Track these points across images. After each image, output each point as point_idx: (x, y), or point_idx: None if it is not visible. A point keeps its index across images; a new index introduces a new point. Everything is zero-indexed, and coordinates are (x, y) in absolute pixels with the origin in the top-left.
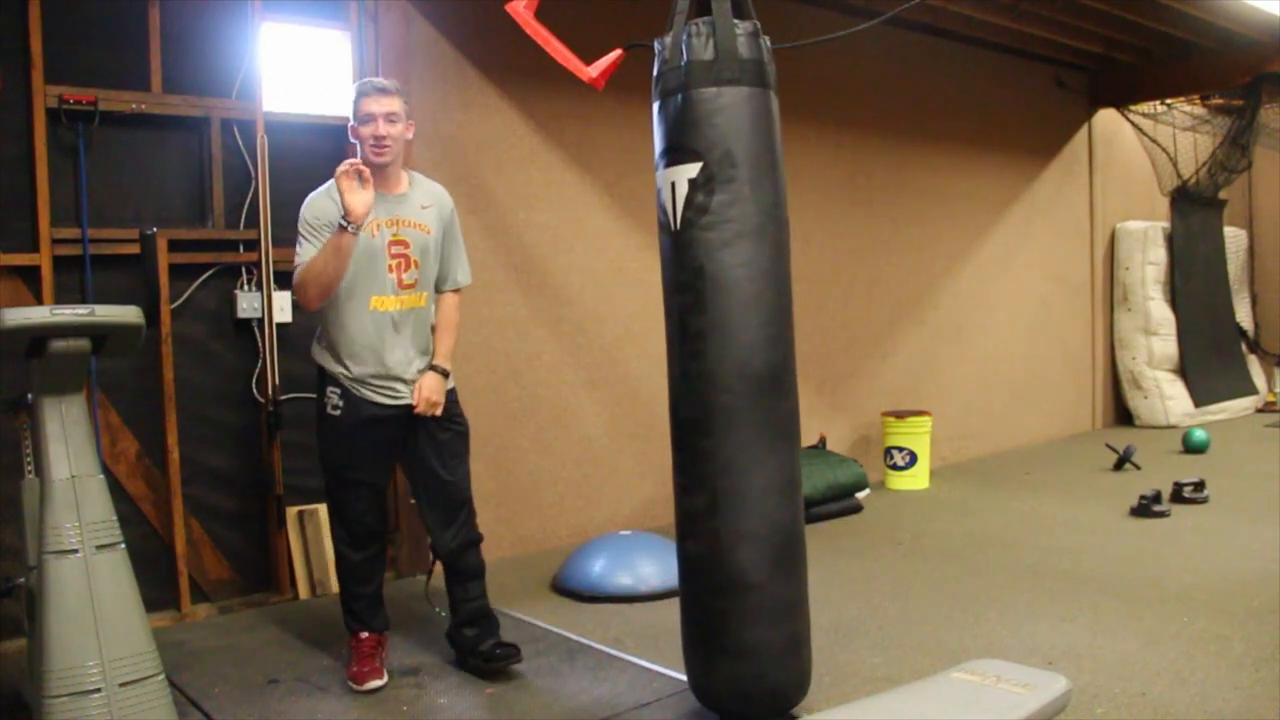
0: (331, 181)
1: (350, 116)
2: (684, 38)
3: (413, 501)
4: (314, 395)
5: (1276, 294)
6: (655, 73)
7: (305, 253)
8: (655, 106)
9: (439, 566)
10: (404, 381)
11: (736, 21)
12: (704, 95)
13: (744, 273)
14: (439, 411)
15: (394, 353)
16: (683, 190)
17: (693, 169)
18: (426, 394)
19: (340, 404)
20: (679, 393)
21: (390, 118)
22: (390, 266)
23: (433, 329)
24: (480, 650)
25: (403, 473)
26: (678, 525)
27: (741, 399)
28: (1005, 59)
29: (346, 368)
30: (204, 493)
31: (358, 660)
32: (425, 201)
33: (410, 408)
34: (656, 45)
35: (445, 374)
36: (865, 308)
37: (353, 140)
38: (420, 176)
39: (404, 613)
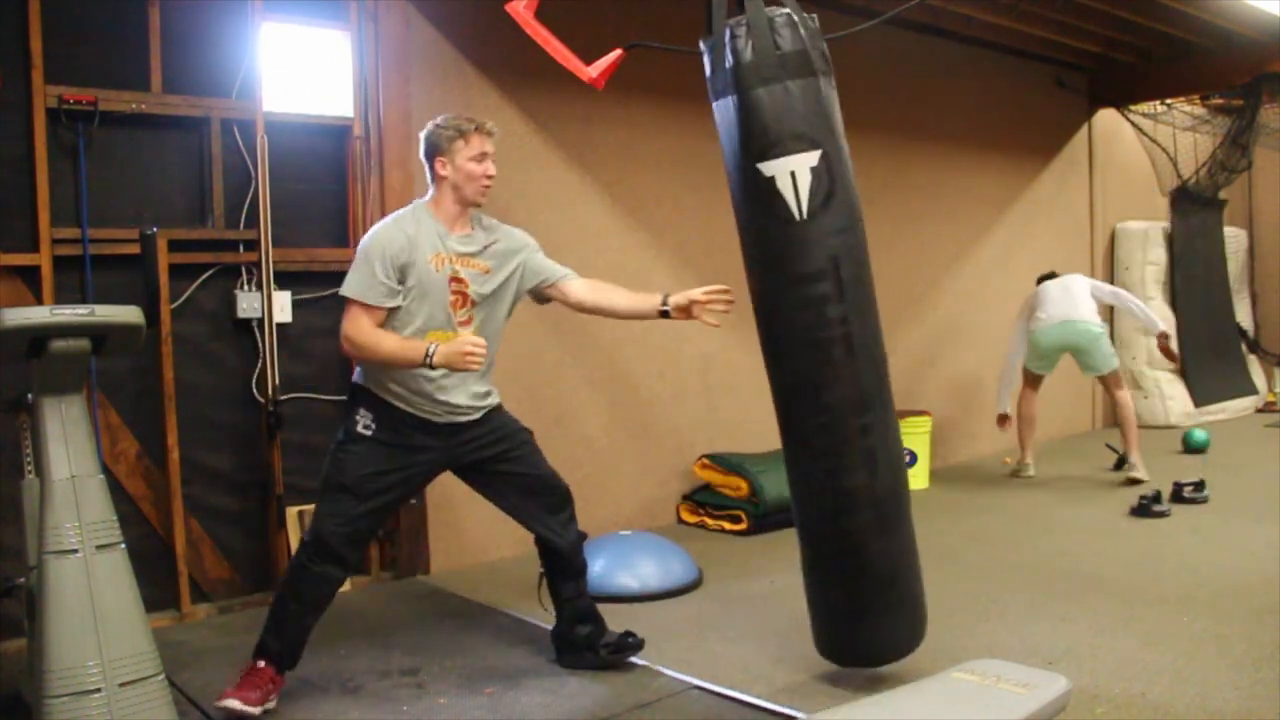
0: (400, 212)
1: (450, 149)
2: (769, 29)
3: (413, 502)
4: (313, 394)
5: (1276, 294)
6: (731, 64)
7: (358, 285)
8: (734, 100)
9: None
10: (458, 407)
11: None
12: (802, 86)
13: (860, 257)
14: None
15: (444, 386)
16: (805, 179)
17: (813, 156)
18: (705, 295)
19: (373, 425)
20: (828, 378)
21: (493, 159)
22: (450, 302)
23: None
24: (607, 643)
25: (489, 498)
26: (833, 503)
27: (881, 376)
28: (1005, 59)
29: (391, 391)
30: (204, 493)
31: (241, 683)
32: (487, 242)
33: (461, 431)
34: (727, 35)
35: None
36: None
37: (442, 173)
38: (485, 216)
39: (404, 613)
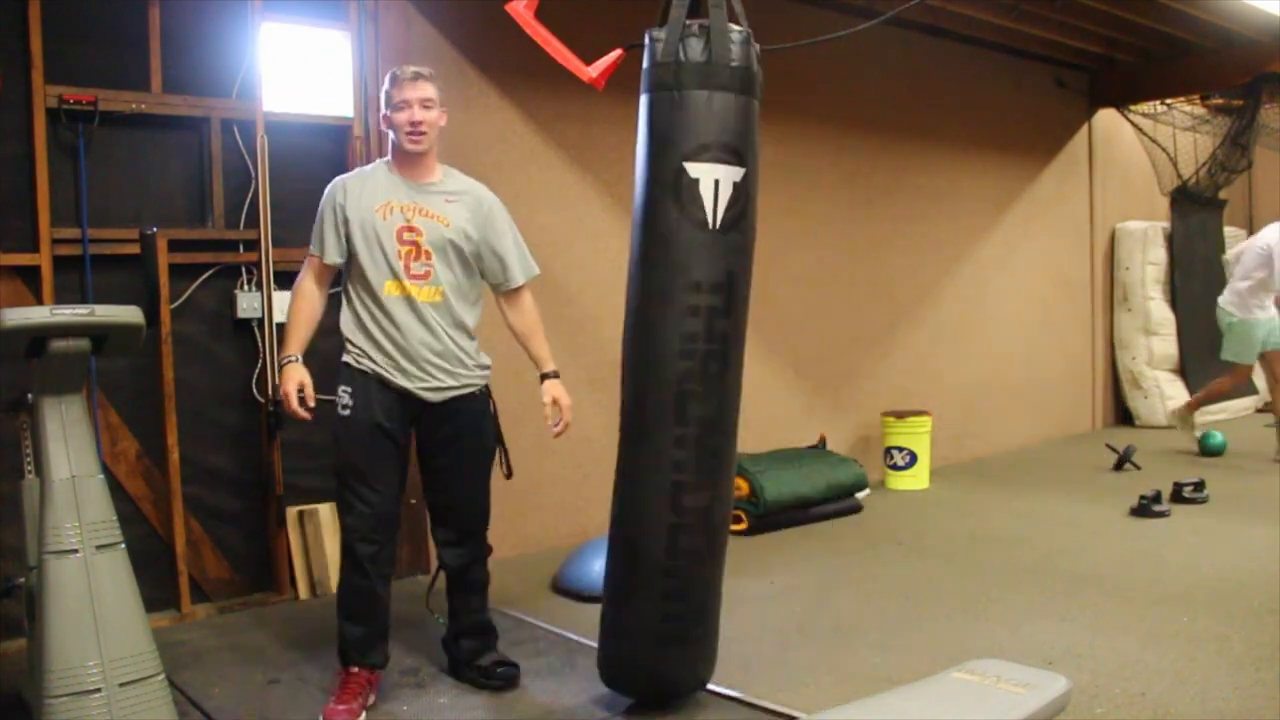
0: (362, 169)
1: (383, 104)
2: (720, 38)
3: (413, 501)
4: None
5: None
6: (680, 60)
7: (313, 239)
8: (677, 98)
9: (442, 574)
10: (425, 369)
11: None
12: (740, 102)
13: (749, 280)
14: (568, 416)
15: (411, 338)
16: (727, 191)
17: (738, 172)
18: (563, 403)
19: (350, 403)
20: (697, 392)
21: (425, 103)
22: (399, 253)
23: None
24: (479, 665)
25: (419, 472)
26: (672, 521)
27: (737, 404)
28: (1005, 59)
29: (361, 348)
30: (204, 493)
31: (337, 694)
32: (451, 195)
33: (426, 410)
34: (678, 34)
35: (557, 375)
36: (865, 308)
37: (385, 130)
38: (457, 173)
39: (403, 613)
